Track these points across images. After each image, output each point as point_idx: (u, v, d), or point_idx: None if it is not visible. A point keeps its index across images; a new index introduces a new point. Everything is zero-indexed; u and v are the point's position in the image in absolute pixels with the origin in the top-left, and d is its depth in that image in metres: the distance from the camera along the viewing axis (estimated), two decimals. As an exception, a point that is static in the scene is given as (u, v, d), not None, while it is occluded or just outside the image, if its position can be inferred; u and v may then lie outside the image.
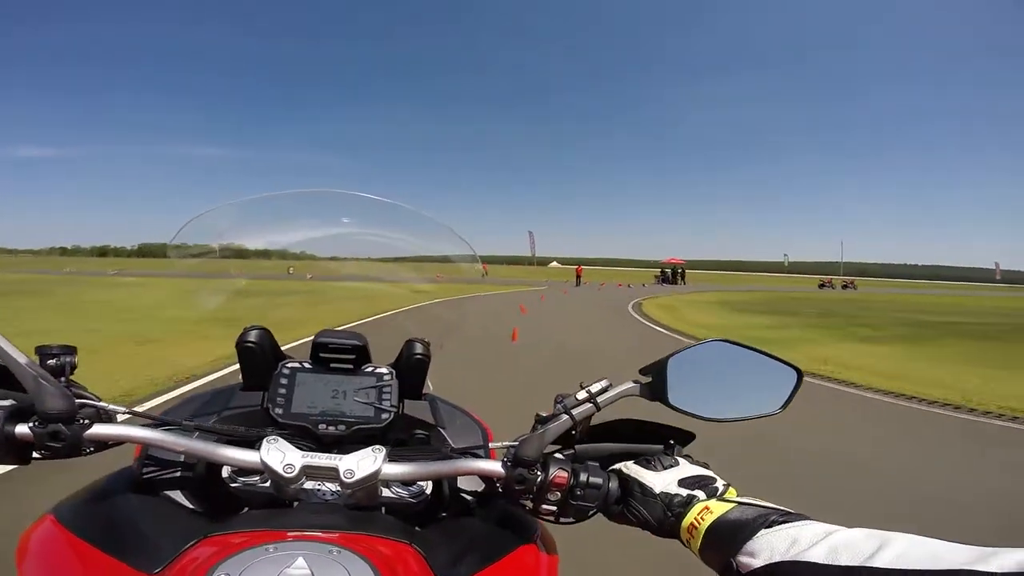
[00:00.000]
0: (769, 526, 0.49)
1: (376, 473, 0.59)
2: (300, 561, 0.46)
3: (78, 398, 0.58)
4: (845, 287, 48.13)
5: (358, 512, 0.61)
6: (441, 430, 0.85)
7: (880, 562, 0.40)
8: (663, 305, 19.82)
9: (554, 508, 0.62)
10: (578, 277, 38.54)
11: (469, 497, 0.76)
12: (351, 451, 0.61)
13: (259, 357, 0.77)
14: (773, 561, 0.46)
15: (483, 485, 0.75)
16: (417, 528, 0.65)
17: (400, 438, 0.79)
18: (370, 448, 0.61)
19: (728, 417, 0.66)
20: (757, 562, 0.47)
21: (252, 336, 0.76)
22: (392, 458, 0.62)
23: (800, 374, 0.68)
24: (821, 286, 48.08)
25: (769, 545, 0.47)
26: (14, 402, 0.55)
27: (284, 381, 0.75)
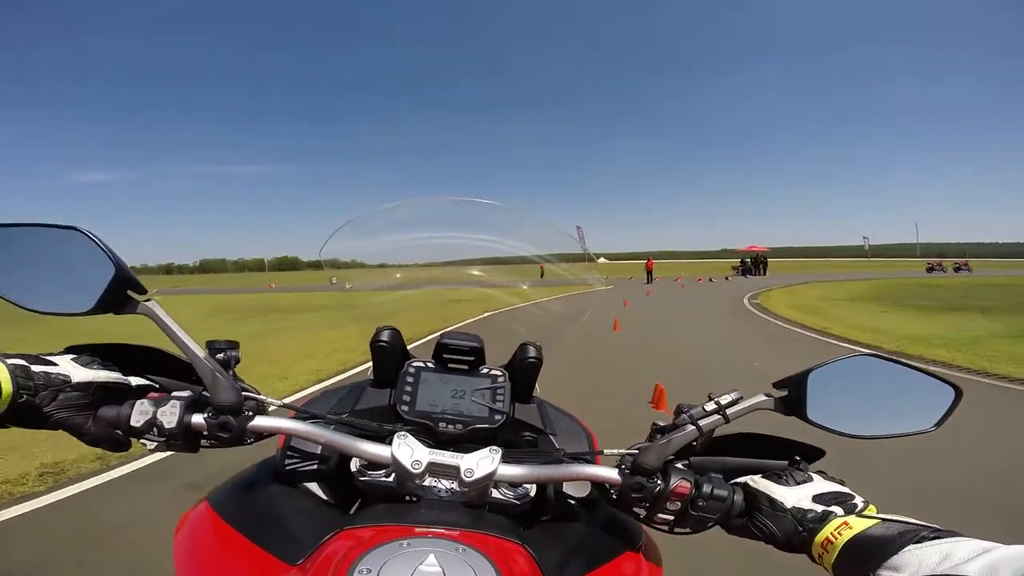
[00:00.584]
0: (918, 542, 0.45)
1: (492, 474, 0.60)
2: (432, 558, 0.47)
3: (243, 391, 0.62)
4: (958, 269, 41.10)
5: (474, 511, 0.63)
6: (549, 435, 0.84)
7: None
8: (795, 305, 14.93)
9: (670, 518, 0.60)
10: (649, 272, 32.99)
11: (572, 501, 0.76)
12: (466, 450, 0.62)
13: (389, 355, 0.82)
14: (920, 575, 0.42)
15: (586, 490, 0.75)
16: (523, 529, 0.66)
17: (510, 439, 0.81)
18: (488, 449, 0.62)
19: (873, 434, 0.61)
20: None
21: (384, 336, 0.81)
22: (506, 460, 0.62)
23: (959, 392, 0.62)
24: (930, 269, 40.93)
25: (916, 559, 0.43)
26: (190, 394, 0.60)
27: (410, 379, 0.80)
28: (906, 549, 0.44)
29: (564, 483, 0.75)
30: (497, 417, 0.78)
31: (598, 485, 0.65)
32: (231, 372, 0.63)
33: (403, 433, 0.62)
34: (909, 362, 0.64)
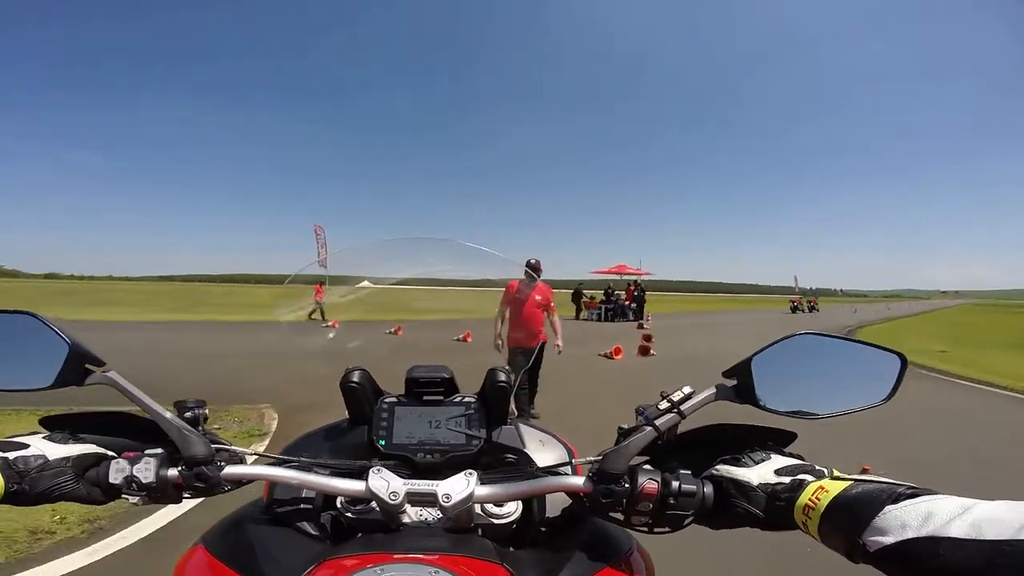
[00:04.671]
0: (895, 501, 0.45)
1: (470, 496, 0.63)
2: None
3: (213, 443, 0.67)
4: (811, 309, 39.18)
5: (456, 535, 0.65)
6: (527, 452, 0.85)
7: None
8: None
9: (646, 519, 0.61)
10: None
11: (559, 516, 0.76)
12: (447, 477, 0.65)
13: (361, 394, 0.83)
14: (906, 538, 0.42)
15: (568, 503, 0.75)
16: (512, 549, 0.69)
17: (490, 463, 0.81)
18: (463, 473, 0.65)
19: (827, 412, 0.61)
20: (888, 539, 0.43)
21: (355, 376, 0.83)
22: (483, 481, 0.65)
23: (903, 359, 0.63)
24: (793, 309, 37.51)
25: (900, 521, 0.43)
26: (163, 451, 0.64)
27: (384, 415, 0.82)
28: (886, 510, 0.44)
29: (548, 500, 0.77)
30: (474, 442, 0.80)
31: (574, 495, 0.67)
32: (200, 428, 0.67)
33: (378, 467, 0.65)
34: (848, 336, 0.65)
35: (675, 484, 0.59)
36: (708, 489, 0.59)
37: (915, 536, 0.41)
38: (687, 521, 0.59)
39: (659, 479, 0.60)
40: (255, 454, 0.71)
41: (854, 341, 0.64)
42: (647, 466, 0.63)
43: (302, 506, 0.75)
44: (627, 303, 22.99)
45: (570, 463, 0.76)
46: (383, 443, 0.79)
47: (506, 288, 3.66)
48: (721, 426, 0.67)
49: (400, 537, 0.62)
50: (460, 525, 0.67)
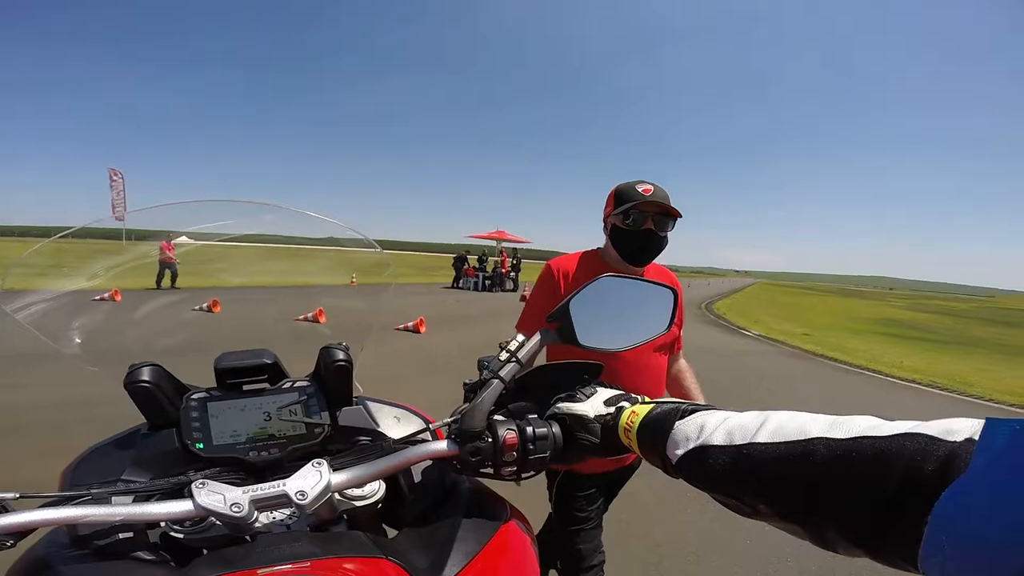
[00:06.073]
0: (681, 417, 0.53)
1: (327, 487, 0.57)
2: None
3: None
4: None
5: (324, 535, 0.60)
6: (382, 431, 0.78)
7: (761, 437, 0.44)
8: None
9: (513, 468, 0.63)
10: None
11: (425, 479, 0.74)
12: (292, 471, 0.58)
13: (157, 394, 0.69)
14: (689, 448, 0.50)
15: (441, 471, 0.74)
16: (385, 528, 0.69)
17: (340, 448, 0.74)
18: (310, 464, 0.59)
19: (628, 344, 0.73)
20: (679, 451, 0.51)
21: (144, 375, 0.68)
22: (336, 467, 0.60)
23: (674, 292, 0.78)
24: None
25: (684, 434, 0.51)
26: None
27: (195, 415, 0.70)
28: (675, 426, 0.53)
29: (414, 471, 0.74)
30: (317, 430, 0.72)
31: (441, 460, 0.66)
32: None
33: (200, 480, 0.56)
34: (636, 276, 0.79)
35: (530, 430, 0.63)
36: (556, 429, 0.64)
37: (695, 446, 0.49)
38: (548, 462, 0.63)
39: (515, 427, 0.63)
40: (21, 495, 0.54)
41: (641, 280, 0.78)
42: (499, 417, 0.65)
43: (120, 535, 0.59)
44: (504, 272, 21.71)
45: (428, 428, 0.73)
46: (201, 446, 0.68)
47: (543, 275, 1.55)
48: (542, 368, 0.71)
49: (258, 547, 0.54)
50: (322, 518, 0.63)
